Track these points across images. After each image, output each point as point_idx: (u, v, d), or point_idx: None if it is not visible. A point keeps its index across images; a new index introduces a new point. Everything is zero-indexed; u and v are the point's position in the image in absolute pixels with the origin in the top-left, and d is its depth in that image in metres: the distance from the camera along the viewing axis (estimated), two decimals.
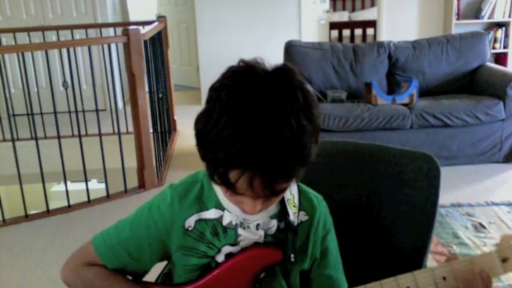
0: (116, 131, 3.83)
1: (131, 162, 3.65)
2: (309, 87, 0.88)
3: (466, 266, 0.96)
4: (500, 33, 5.37)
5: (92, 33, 5.20)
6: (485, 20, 5.35)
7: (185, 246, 1.01)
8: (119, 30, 4.17)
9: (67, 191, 3.46)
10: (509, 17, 5.32)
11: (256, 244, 1.00)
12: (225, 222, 1.00)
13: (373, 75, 4.13)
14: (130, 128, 3.81)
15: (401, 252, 1.25)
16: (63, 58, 3.86)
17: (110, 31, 5.18)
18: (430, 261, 2.54)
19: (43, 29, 4.91)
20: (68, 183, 3.56)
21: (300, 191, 1.06)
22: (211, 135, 0.82)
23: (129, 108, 3.66)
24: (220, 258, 1.01)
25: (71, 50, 3.78)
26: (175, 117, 4.99)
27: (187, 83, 6.92)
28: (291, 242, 1.00)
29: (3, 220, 3.28)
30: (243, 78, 0.84)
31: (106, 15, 5.57)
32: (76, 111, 3.50)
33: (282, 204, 1.02)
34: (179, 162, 4.19)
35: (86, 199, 3.51)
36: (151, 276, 1.11)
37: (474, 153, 3.86)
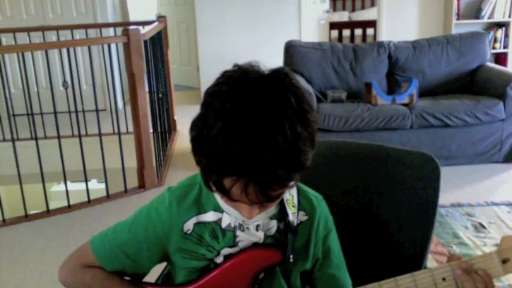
0: (116, 131, 3.83)
1: (131, 162, 3.65)
2: (305, 90, 0.87)
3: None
4: (500, 33, 5.36)
5: (92, 33, 5.20)
6: (485, 20, 5.35)
7: (184, 249, 1.01)
8: (119, 30, 4.17)
9: (67, 191, 3.46)
10: (509, 17, 5.32)
11: (255, 245, 1.00)
12: (223, 224, 1.00)
13: (373, 75, 4.13)
14: (131, 128, 3.81)
15: (401, 252, 1.25)
16: (63, 58, 3.85)
17: (110, 31, 5.19)
18: (430, 262, 2.54)
19: (43, 29, 4.91)
20: (68, 183, 3.56)
21: (299, 190, 1.05)
22: (205, 142, 0.81)
23: (129, 108, 3.66)
24: (219, 260, 1.01)
25: (71, 50, 3.77)
26: (175, 117, 4.99)
27: (187, 83, 6.92)
28: (291, 242, 1.00)
29: (3, 220, 3.28)
30: (235, 84, 0.82)
31: (106, 15, 5.57)
32: (76, 111, 3.50)
33: (281, 205, 1.01)
34: (179, 162, 4.19)
35: (86, 199, 3.51)
36: (151, 277, 1.11)
37: (474, 153, 3.85)
